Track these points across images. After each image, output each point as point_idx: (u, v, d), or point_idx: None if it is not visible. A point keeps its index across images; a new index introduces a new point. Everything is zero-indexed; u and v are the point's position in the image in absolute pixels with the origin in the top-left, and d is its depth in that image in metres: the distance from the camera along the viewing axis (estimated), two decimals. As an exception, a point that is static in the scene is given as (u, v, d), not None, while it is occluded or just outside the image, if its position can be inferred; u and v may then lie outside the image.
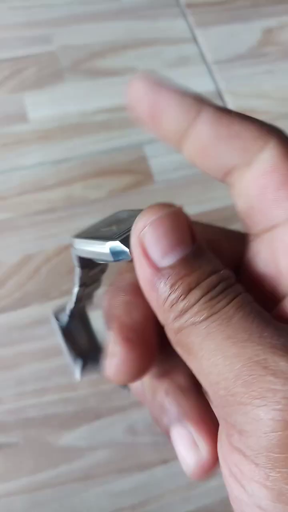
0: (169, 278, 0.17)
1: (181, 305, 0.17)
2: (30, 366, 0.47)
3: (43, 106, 0.60)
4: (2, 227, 0.52)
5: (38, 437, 0.45)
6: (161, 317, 0.18)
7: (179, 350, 0.18)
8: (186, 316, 0.17)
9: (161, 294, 0.17)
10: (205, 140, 0.19)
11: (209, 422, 0.20)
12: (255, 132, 0.18)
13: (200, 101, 0.19)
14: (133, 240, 0.17)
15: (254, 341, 0.16)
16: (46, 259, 0.51)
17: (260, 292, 0.19)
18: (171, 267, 0.17)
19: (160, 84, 0.19)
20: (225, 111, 0.19)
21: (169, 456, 0.45)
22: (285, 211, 0.18)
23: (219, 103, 0.61)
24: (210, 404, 0.20)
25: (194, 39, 0.65)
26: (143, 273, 0.17)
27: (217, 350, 0.16)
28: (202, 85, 0.62)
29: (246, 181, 0.19)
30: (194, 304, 0.17)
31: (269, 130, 0.19)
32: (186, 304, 0.17)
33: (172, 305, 0.17)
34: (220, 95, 0.61)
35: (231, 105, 0.60)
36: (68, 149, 0.57)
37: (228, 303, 0.17)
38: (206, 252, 0.18)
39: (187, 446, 0.20)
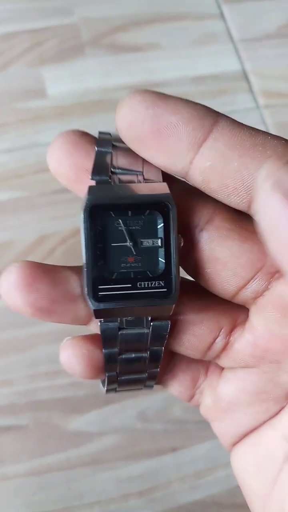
0: None
1: None
2: (43, 348, 0.46)
3: (63, 81, 0.58)
4: (18, 206, 0.51)
5: (48, 420, 0.45)
6: None
7: None
8: None
9: None
10: (224, 151, 0.17)
11: None
12: (279, 141, 0.17)
13: (214, 112, 0.17)
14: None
15: None
16: (62, 240, 0.50)
17: None
18: None
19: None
20: (238, 122, 0.17)
21: (179, 444, 0.45)
22: None
23: (244, 84, 0.58)
24: None
25: (221, 15, 0.63)
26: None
27: None
28: (227, 64, 0.59)
29: None
30: None
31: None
32: None
33: None
34: (246, 76, 0.59)
35: (257, 86, 0.58)
36: (88, 127, 0.55)
37: None
38: None
39: None
